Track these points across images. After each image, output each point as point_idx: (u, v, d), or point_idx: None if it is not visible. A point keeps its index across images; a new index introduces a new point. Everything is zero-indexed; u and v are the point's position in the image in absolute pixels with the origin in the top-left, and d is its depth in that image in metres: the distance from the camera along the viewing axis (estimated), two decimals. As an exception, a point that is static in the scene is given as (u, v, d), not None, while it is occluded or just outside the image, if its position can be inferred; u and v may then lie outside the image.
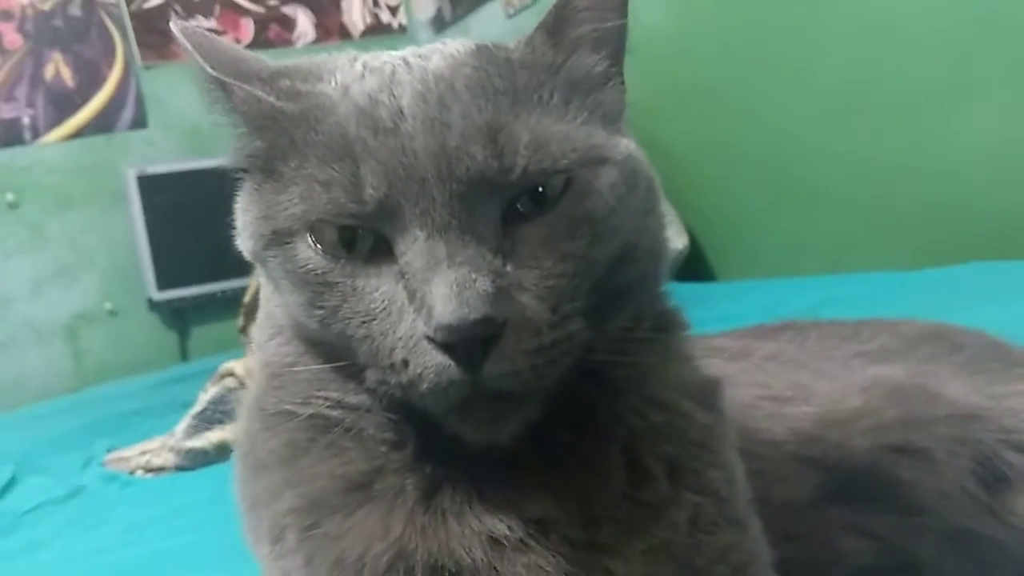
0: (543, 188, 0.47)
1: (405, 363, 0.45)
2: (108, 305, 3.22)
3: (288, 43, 3.60)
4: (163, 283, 3.18)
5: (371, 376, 0.48)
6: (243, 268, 0.59)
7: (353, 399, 0.51)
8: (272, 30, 3.58)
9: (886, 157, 1.94)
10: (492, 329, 0.43)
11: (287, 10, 3.61)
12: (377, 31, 3.76)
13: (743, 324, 1.66)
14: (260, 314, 0.58)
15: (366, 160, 0.46)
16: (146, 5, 3.35)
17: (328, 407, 0.52)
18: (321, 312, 0.48)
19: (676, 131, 2.51)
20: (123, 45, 3.31)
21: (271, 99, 0.50)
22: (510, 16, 3.09)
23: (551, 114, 0.49)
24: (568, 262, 0.47)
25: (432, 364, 0.44)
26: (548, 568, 0.48)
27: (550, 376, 0.46)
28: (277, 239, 0.49)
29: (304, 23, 3.64)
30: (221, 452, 1.53)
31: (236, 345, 2.32)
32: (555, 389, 0.48)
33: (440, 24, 3.60)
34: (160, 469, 1.62)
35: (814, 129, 2.10)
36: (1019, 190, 1.69)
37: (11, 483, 1.73)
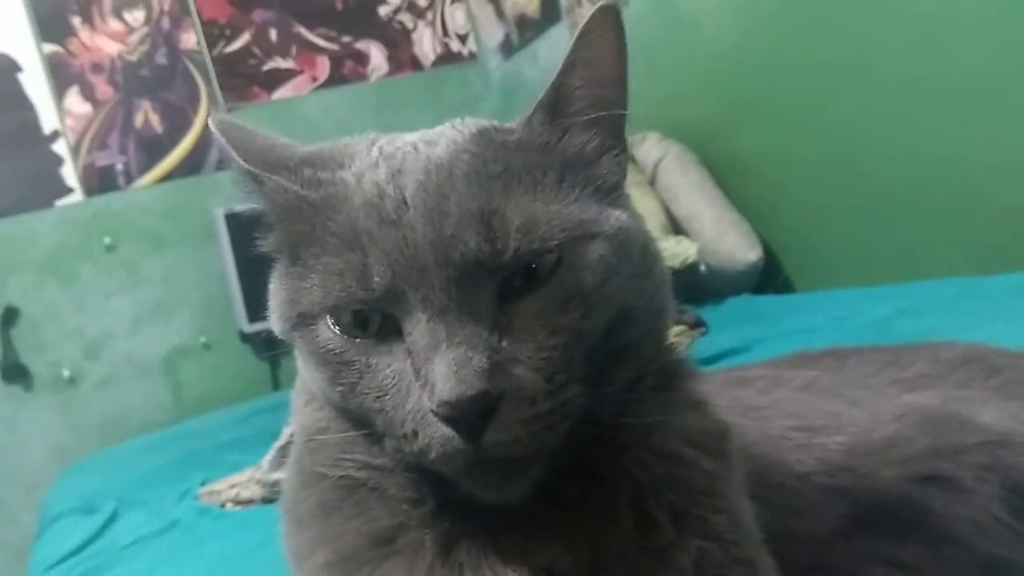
0: (535, 266, 0.51)
1: (415, 434, 0.49)
2: (203, 339, 3.36)
3: (363, 78, 3.71)
4: (253, 316, 3.30)
5: (389, 443, 0.52)
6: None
7: (378, 461, 0.56)
8: (347, 66, 3.69)
9: (959, 157, 1.91)
10: (489, 402, 0.47)
11: (360, 46, 3.71)
12: (448, 60, 3.84)
13: (818, 336, 1.66)
14: (297, 381, 0.63)
15: (372, 250, 0.50)
16: (227, 50, 3.50)
17: (355, 469, 0.57)
18: (342, 388, 0.53)
19: (746, 145, 2.51)
20: (207, 89, 3.45)
21: (296, 188, 0.54)
22: (576, 38, 3.12)
23: (544, 194, 0.52)
24: (561, 334, 0.50)
25: (438, 436, 0.48)
26: None
27: (549, 441, 0.50)
28: (302, 321, 0.54)
29: (377, 57, 3.74)
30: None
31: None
32: (561, 449, 0.52)
33: (508, 49, 3.66)
34: (248, 502, 1.69)
35: (883, 133, 2.08)
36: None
37: (113, 518, 1.84)
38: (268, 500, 1.67)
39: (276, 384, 3.39)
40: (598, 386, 0.52)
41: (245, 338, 3.35)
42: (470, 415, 0.47)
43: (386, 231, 0.50)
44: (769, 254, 2.44)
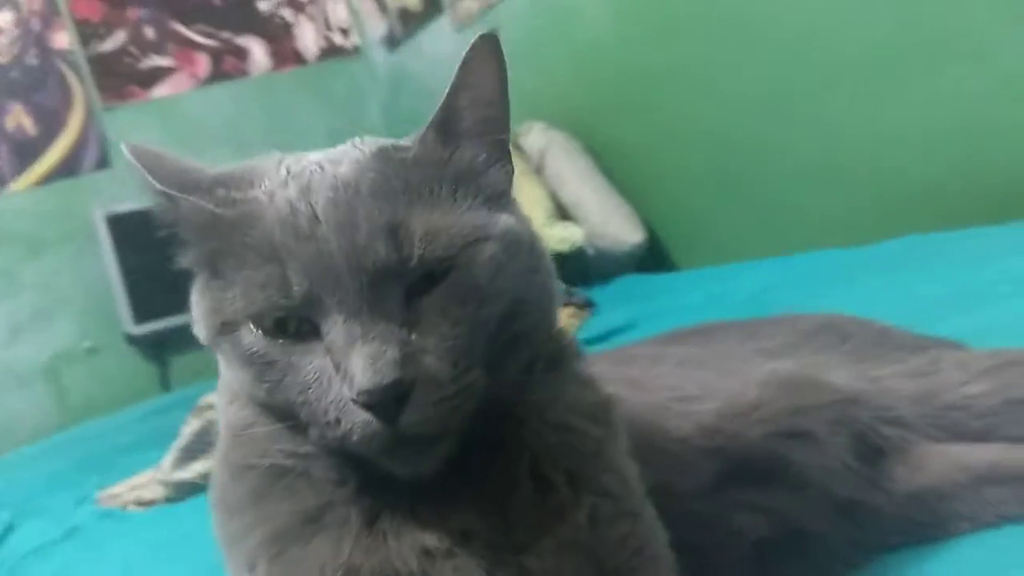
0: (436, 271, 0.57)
1: (338, 421, 0.55)
2: (86, 343, 3.31)
3: (244, 73, 3.68)
4: (139, 317, 3.26)
5: (313, 432, 0.58)
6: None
7: (303, 449, 0.61)
8: (228, 62, 3.66)
9: (826, 135, 2.08)
10: (402, 389, 0.54)
11: (240, 41, 3.69)
12: (331, 54, 3.84)
13: (698, 312, 1.77)
14: (220, 382, 0.68)
15: (290, 262, 0.56)
16: (102, 49, 3.42)
17: (283, 457, 0.62)
18: (267, 385, 0.58)
19: (627, 132, 2.64)
20: (82, 89, 3.38)
21: (210, 207, 0.59)
22: (458, 31, 3.18)
23: (441, 205, 0.59)
24: (462, 325, 0.57)
25: (358, 421, 0.55)
26: (472, 570, 0.59)
27: (457, 419, 0.57)
28: (226, 328, 0.59)
29: (258, 53, 3.72)
30: (207, 481, 1.62)
31: (215, 373, 2.40)
32: (467, 427, 0.59)
33: (392, 43, 3.69)
34: (151, 502, 1.71)
35: (754, 116, 2.23)
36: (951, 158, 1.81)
37: (9, 528, 1.82)
38: (171, 499, 1.69)
39: (166, 385, 3.36)
40: (497, 370, 0.59)
41: (132, 340, 3.31)
42: (387, 401, 0.53)
43: (302, 244, 0.56)
44: (653, 236, 2.58)
